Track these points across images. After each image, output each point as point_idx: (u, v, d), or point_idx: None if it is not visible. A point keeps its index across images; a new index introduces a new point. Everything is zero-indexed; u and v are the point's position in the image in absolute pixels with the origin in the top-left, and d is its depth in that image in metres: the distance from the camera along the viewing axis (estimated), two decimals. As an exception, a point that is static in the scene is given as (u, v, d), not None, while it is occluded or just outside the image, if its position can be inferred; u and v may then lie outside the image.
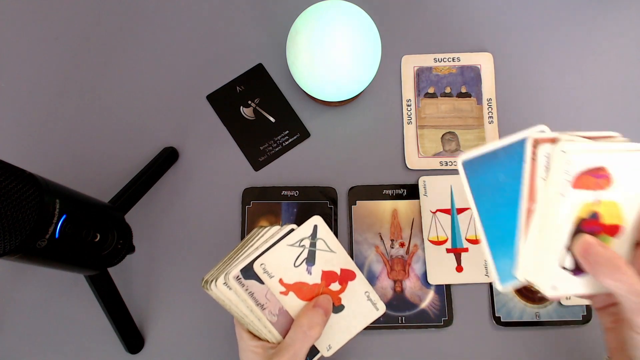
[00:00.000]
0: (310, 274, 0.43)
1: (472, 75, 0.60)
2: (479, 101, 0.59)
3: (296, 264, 0.43)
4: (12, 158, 0.40)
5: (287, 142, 0.59)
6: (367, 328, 0.53)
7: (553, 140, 0.35)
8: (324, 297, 0.44)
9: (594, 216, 0.35)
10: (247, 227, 0.57)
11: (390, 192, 0.57)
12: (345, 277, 0.45)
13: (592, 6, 0.62)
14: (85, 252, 0.45)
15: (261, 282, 0.42)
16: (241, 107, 0.60)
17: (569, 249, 0.36)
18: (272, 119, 0.60)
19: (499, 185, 0.36)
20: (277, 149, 0.59)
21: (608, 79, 0.60)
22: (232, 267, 0.40)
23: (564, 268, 0.36)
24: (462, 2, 0.63)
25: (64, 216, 0.40)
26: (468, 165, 0.36)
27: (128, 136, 0.60)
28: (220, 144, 0.59)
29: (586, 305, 0.54)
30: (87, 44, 0.62)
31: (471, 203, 0.37)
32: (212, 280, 0.41)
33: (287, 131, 0.60)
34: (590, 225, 0.36)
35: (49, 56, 0.62)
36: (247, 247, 0.43)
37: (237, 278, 0.41)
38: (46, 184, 0.40)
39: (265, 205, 0.57)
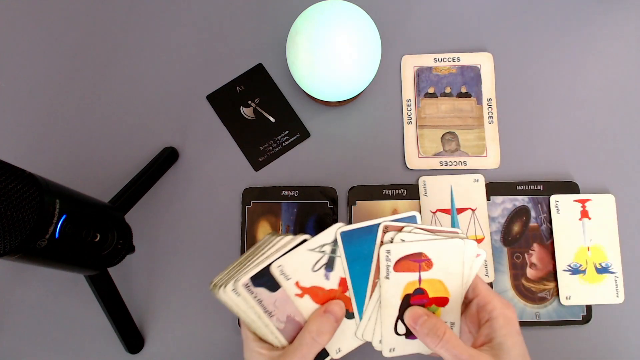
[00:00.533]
0: (328, 279, 0.43)
1: (472, 75, 0.60)
2: (479, 101, 0.59)
3: (314, 269, 0.43)
4: (12, 158, 0.40)
5: (287, 142, 0.59)
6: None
7: (400, 229, 0.42)
8: (337, 303, 0.43)
9: (419, 291, 0.42)
10: (247, 227, 0.57)
11: (390, 192, 0.57)
12: None
13: (592, 6, 0.62)
14: (85, 252, 0.45)
15: (271, 290, 0.42)
16: (241, 107, 0.60)
17: (402, 319, 0.42)
18: (272, 119, 0.60)
19: (366, 256, 0.42)
20: (277, 149, 0.59)
21: (608, 78, 0.60)
22: (242, 274, 0.40)
23: (399, 334, 0.43)
24: (462, 2, 0.63)
25: (64, 216, 0.40)
26: (345, 235, 0.42)
27: (128, 136, 0.60)
28: (220, 144, 0.59)
29: (586, 305, 0.54)
30: (87, 44, 0.62)
31: (345, 268, 0.43)
32: (221, 285, 0.40)
33: (287, 131, 0.60)
34: (417, 299, 0.42)
35: (49, 56, 0.62)
36: (258, 254, 0.43)
37: (247, 285, 0.40)
38: (46, 184, 0.40)
39: (265, 205, 0.57)
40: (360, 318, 0.43)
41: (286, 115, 0.60)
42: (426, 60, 0.61)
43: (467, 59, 0.60)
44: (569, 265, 0.55)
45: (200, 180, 0.59)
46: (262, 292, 0.41)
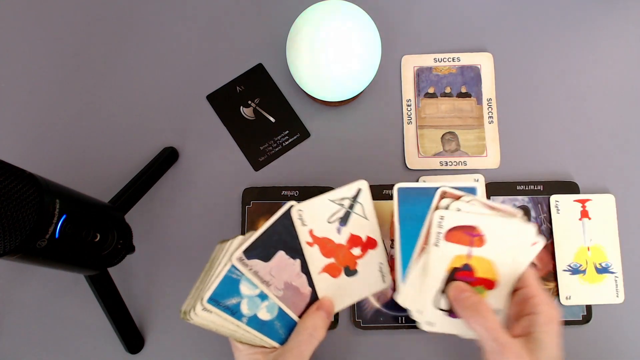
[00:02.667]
0: (339, 233, 0.45)
1: (472, 75, 0.60)
2: (479, 101, 0.59)
3: (330, 220, 0.44)
4: (12, 158, 0.40)
5: (287, 142, 0.59)
6: (368, 328, 0.53)
7: (457, 197, 0.41)
8: (327, 299, 0.45)
9: (467, 268, 0.41)
10: (247, 227, 0.57)
11: (390, 192, 0.57)
12: (368, 244, 0.46)
13: (592, 6, 0.62)
14: (85, 252, 0.45)
15: (264, 260, 0.42)
16: (241, 107, 0.60)
17: (445, 292, 0.41)
18: (272, 119, 0.60)
19: (419, 218, 0.41)
20: (277, 149, 0.59)
21: (608, 78, 0.60)
22: (205, 291, 0.40)
23: (440, 309, 0.42)
24: (462, 2, 0.63)
25: (64, 216, 0.40)
26: (402, 192, 0.41)
27: (128, 136, 0.60)
28: (220, 144, 0.59)
29: (586, 306, 0.54)
30: (87, 44, 0.62)
31: (396, 226, 0.42)
32: (189, 310, 0.40)
33: (287, 131, 0.60)
34: (463, 275, 0.41)
35: (49, 56, 0.62)
36: (216, 266, 0.43)
37: (241, 259, 0.41)
38: (46, 184, 0.40)
39: (265, 205, 0.57)
40: (404, 281, 0.42)
41: (286, 115, 0.60)
42: (426, 60, 0.61)
43: (467, 59, 0.60)
44: (569, 265, 0.55)
45: (200, 180, 0.59)
46: (256, 263, 0.42)
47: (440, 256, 0.41)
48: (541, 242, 0.40)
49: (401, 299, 0.42)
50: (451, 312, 0.41)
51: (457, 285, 0.41)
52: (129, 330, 0.54)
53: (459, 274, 0.41)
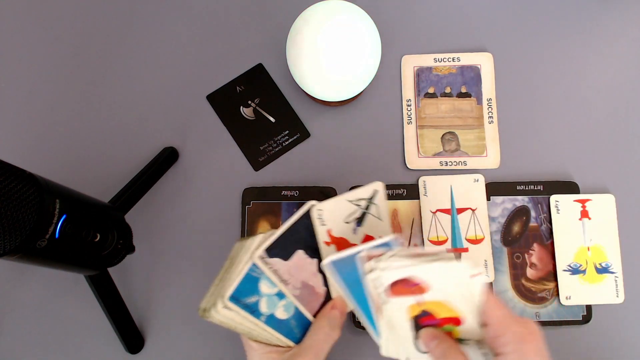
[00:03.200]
0: (355, 233, 0.45)
1: (472, 75, 0.60)
2: (479, 101, 0.59)
3: (347, 220, 0.45)
4: (12, 158, 0.40)
5: (287, 142, 0.59)
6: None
7: (377, 256, 0.40)
8: (340, 299, 0.45)
9: (425, 313, 0.40)
10: (247, 227, 0.57)
11: (390, 192, 0.57)
12: None
13: (592, 6, 0.62)
14: (85, 252, 0.45)
15: (284, 259, 0.43)
16: (241, 107, 0.60)
17: (419, 337, 0.41)
18: (272, 119, 0.60)
19: (360, 281, 0.41)
20: (277, 149, 0.59)
21: (608, 78, 0.60)
22: (227, 289, 0.40)
23: (424, 352, 0.41)
24: (462, 2, 0.63)
25: (64, 216, 0.40)
26: (336, 264, 0.41)
27: (128, 136, 0.60)
28: (220, 144, 0.59)
29: (586, 306, 0.54)
30: (87, 44, 0.62)
31: (347, 296, 0.42)
32: (210, 307, 0.40)
33: (287, 131, 0.60)
34: (427, 320, 0.40)
35: (49, 56, 0.62)
36: (236, 264, 0.43)
37: (262, 258, 0.41)
38: (46, 184, 0.40)
39: (265, 205, 0.57)
40: (379, 337, 0.42)
41: (286, 115, 0.60)
42: (426, 60, 0.61)
43: (467, 59, 0.60)
44: (569, 265, 0.55)
45: (200, 180, 0.59)
46: (276, 262, 0.42)
47: (396, 309, 0.41)
48: (482, 273, 0.37)
49: (386, 352, 0.42)
50: None
51: (426, 332, 0.40)
52: (129, 330, 0.54)
53: (422, 320, 0.40)
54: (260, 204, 0.57)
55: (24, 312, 0.56)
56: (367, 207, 0.46)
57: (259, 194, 0.57)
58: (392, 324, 0.41)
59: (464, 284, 0.37)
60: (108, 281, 0.52)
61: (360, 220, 0.46)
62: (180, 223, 0.57)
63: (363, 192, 0.45)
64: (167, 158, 0.57)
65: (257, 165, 0.59)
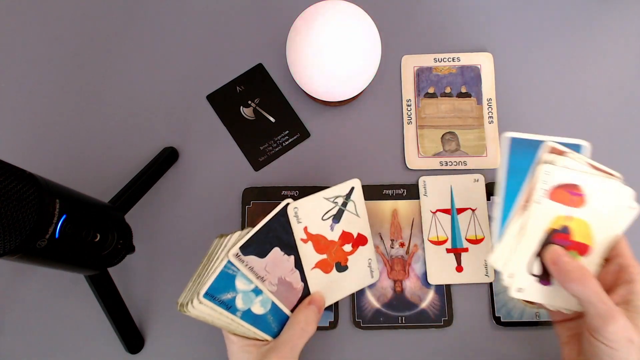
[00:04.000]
0: (332, 230, 0.46)
1: (472, 75, 0.60)
2: (479, 101, 0.59)
3: (323, 218, 0.46)
4: (12, 158, 0.40)
5: (287, 142, 0.59)
6: (368, 328, 0.53)
7: (561, 153, 0.39)
8: (318, 294, 0.47)
9: (565, 230, 0.39)
10: (246, 227, 0.57)
11: (390, 192, 0.57)
12: (359, 241, 0.48)
13: (593, 6, 0.62)
14: (85, 252, 0.45)
15: (260, 256, 0.43)
16: (241, 107, 0.60)
17: (539, 255, 0.39)
18: (272, 119, 0.60)
19: (526, 170, 0.39)
20: (277, 149, 0.59)
21: (608, 78, 0.60)
22: (202, 286, 0.41)
23: (532, 274, 0.39)
24: (462, 2, 0.63)
25: (64, 216, 0.40)
26: (515, 143, 0.39)
27: (128, 136, 0.60)
28: (220, 144, 0.59)
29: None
30: (87, 44, 0.62)
31: (502, 180, 0.40)
32: (187, 303, 0.41)
33: (287, 131, 0.60)
34: (560, 238, 0.39)
35: (49, 56, 0.62)
36: (213, 260, 0.43)
37: (237, 255, 0.42)
38: (46, 184, 0.40)
39: (265, 205, 0.57)
40: (499, 240, 0.40)
41: (286, 115, 0.60)
42: (426, 60, 0.61)
43: (467, 59, 0.60)
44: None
45: (200, 180, 0.59)
46: (252, 259, 0.43)
47: (541, 215, 0.39)
48: (638, 208, 0.38)
49: (494, 260, 0.40)
50: (542, 279, 0.40)
51: (555, 249, 0.39)
52: (129, 330, 0.54)
53: (556, 236, 0.39)
54: (260, 204, 0.57)
55: (24, 312, 0.56)
56: (344, 204, 0.47)
57: (259, 194, 0.57)
58: (524, 229, 0.39)
59: (619, 211, 0.39)
60: (108, 281, 0.52)
61: (337, 217, 0.47)
62: (180, 223, 0.57)
63: (340, 189, 0.46)
64: (167, 158, 0.57)
65: (257, 165, 0.59)
